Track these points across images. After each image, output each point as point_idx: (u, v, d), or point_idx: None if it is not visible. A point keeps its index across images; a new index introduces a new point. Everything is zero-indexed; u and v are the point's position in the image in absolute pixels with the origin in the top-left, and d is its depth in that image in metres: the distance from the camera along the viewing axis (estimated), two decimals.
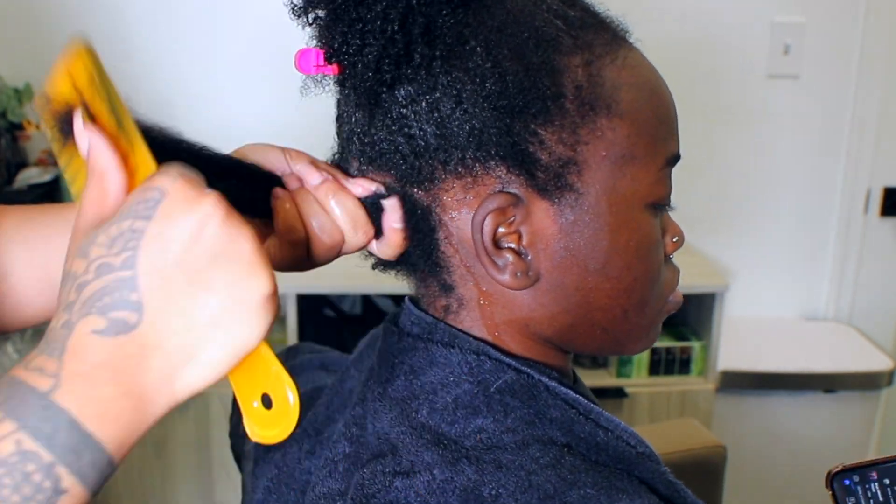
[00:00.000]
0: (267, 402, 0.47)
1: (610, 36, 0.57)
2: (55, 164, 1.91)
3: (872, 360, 2.16)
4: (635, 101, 0.56)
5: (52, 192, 1.88)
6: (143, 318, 0.42)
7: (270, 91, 2.10)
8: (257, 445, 0.70)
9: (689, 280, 1.92)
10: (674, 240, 0.62)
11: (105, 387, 0.41)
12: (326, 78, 0.58)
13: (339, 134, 0.61)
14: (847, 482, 0.65)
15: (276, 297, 0.45)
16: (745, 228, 2.33)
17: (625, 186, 0.56)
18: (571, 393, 0.58)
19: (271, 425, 0.47)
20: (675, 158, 0.59)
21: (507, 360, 0.58)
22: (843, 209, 2.32)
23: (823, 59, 2.23)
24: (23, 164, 1.97)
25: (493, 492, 0.51)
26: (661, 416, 2.03)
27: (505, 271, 0.56)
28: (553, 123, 0.54)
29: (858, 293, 2.38)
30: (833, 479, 0.64)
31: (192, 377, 0.44)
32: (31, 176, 1.89)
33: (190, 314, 0.43)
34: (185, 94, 2.10)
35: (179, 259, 0.43)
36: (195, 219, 0.43)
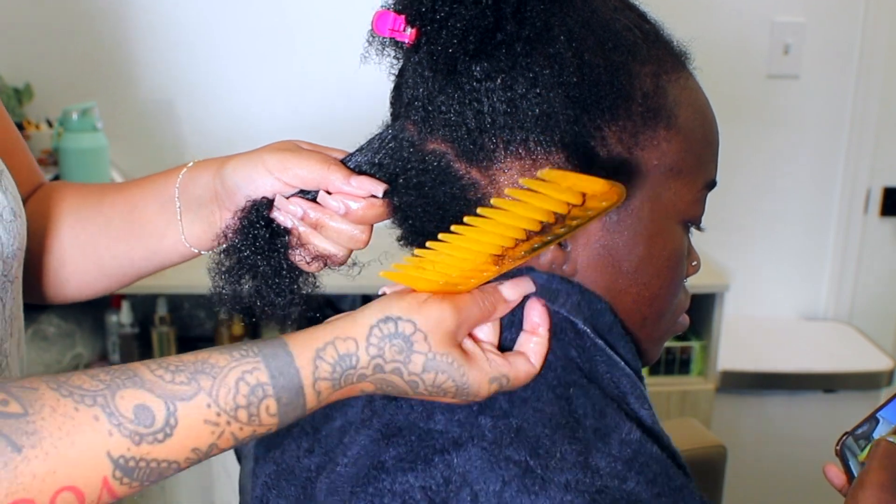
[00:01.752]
0: None
1: (675, 57, 0.60)
2: (55, 163, 1.91)
3: (872, 360, 2.16)
4: (691, 121, 0.59)
5: None
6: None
7: (272, 90, 2.10)
8: (258, 445, 0.71)
9: (690, 280, 1.91)
10: (693, 264, 0.65)
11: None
12: (387, 49, 0.59)
13: (395, 103, 0.62)
14: (846, 442, 0.73)
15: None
16: (744, 228, 2.32)
17: (668, 198, 0.59)
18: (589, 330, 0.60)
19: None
20: (713, 184, 0.63)
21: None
22: (843, 209, 2.32)
23: (823, 59, 2.23)
24: None
25: (518, 423, 0.54)
26: (661, 416, 2.02)
27: (545, 256, 0.58)
28: (617, 123, 0.56)
29: (858, 293, 2.37)
30: (840, 446, 0.73)
31: None
32: None
33: None
34: (185, 93, 2.09)
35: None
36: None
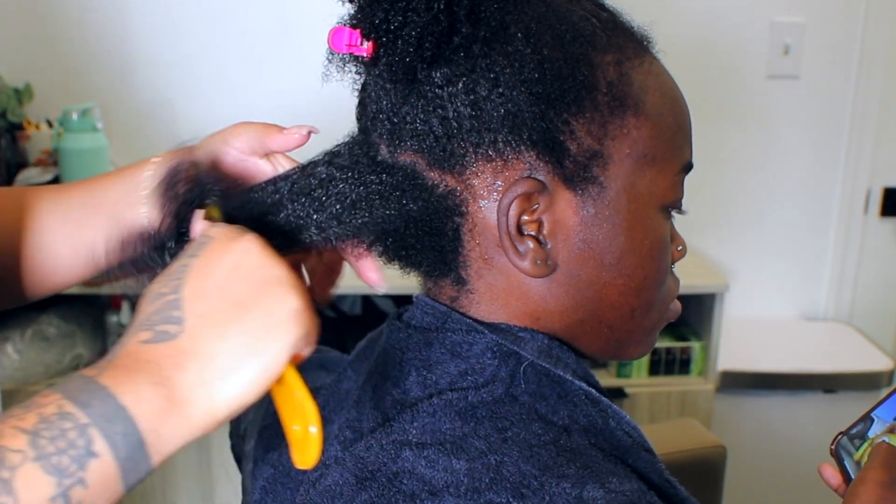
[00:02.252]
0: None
1: (637, 42, 0.59)
2: (55, 164, 1.91)
3: (872, 360, 2.15)
4: (659, 106, 0.58)
5: None
6: (184, 330, 0.48)
7: (272, 90, 2.10)
8: (256, 446, 0.70)
9: (689, 280, 1.91)
10: (678, 248, 0.64)
11: (141, 374, 0.46)
12: (349, 65, 0.59)
13: (361, 118, 0.62)
14: (842, 442, 0.74)
15: (304, 313, 0.50)
16: (745, 228, 2.33)
17: (644, 186, 0.58)
18: (585, 385, 0.59)
19: (300, 451, 0.51)
20: (689, 166, 0.62)
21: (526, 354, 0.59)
22: (843, 209, 2.32)
23: (823, 59, 2.23)
24: (23, 165, 1.97)
25: (499, 459, 0.53)
26: (661, 416, 2.03)
27: (525, 258, 0.57)
28: (584, 115, 0.56)
29: (858, 293, 2.38)
30: (836, 446, 0.74)
31: (230, 389, 0.47)
32: (31, 176, 1.89)
33: (225, 328, 0.48)
34: (185, 93, 2.10)
35: (221, 286, 0.49)
36: (235, 254, 0.50)
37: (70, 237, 0.73)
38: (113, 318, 1.98)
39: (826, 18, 2.20)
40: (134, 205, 0.70)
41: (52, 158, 1.94)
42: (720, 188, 2.27)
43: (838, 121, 2.28)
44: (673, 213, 0.62)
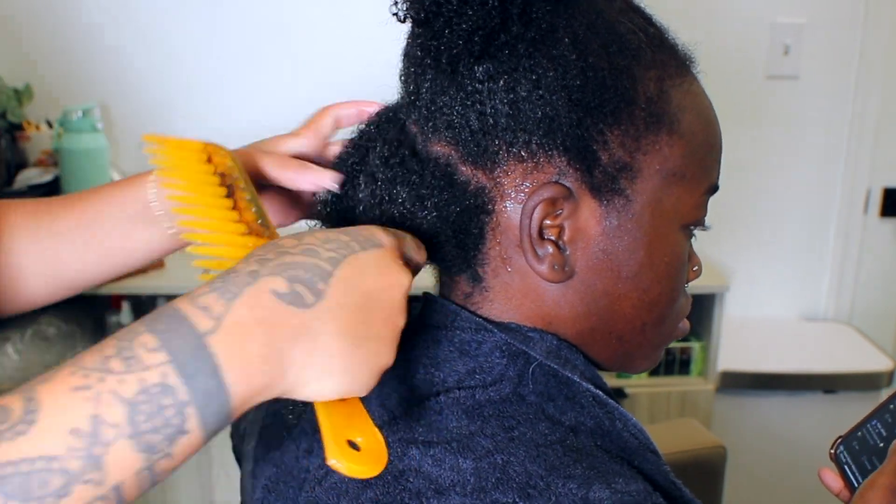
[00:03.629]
0: (353, 445, 0.51)
1: (679, 61, 0.60)
2: (55, 164, 1.92)
3: (872, 361, 2.16)
4: (694, 126, 0.59)
5: (51, 193, 1.88)
6: (318, 305, 0.47)
7: (272, 90, 2.10)
8: (258, 445, 0.71)
9: None
10: (694, 269, 0.65)
11: (255, 344, 0.45)
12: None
13: (404, 85, 0.61)
14: (841, 447, 0.75)
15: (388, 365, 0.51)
16: (745, 228, 2.33)
17: (669, 203, 0.59)
18: (592, 388, 0.59)
19: (362, 462, 0.50)
20: (715, 188, 0.62)
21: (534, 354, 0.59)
22: (843, 209, 2.32)
23: (823, 59, 2.23)
24: (22, 165, 1.97)
25: (505, 458, 0.53)
26: (661, 416, 2.03)
27: (544, 262, 0.57)
28: (620, 127, 0.56)
29: (858, 293, 2.38)
30: (836, 451, 0.74)
31: (317, 387, 0.48)
32: (31, 177, 1.89)
33: (349, 331, 0.48)
34: (185, 94, 2.10)
35: (366, 295, 0.50)
36: (389, 280, 0.51)
37: (46, 262, 0.71)
38: (113, 319, 1.98)
39: (826, 19, 2.20)
40: (135, 226, 0.69)
41: (53, 159, 1.94)
42: (721, 188, 2.27)
43: (838, 121, 2.28)
44: (694, 231, 0.62)
